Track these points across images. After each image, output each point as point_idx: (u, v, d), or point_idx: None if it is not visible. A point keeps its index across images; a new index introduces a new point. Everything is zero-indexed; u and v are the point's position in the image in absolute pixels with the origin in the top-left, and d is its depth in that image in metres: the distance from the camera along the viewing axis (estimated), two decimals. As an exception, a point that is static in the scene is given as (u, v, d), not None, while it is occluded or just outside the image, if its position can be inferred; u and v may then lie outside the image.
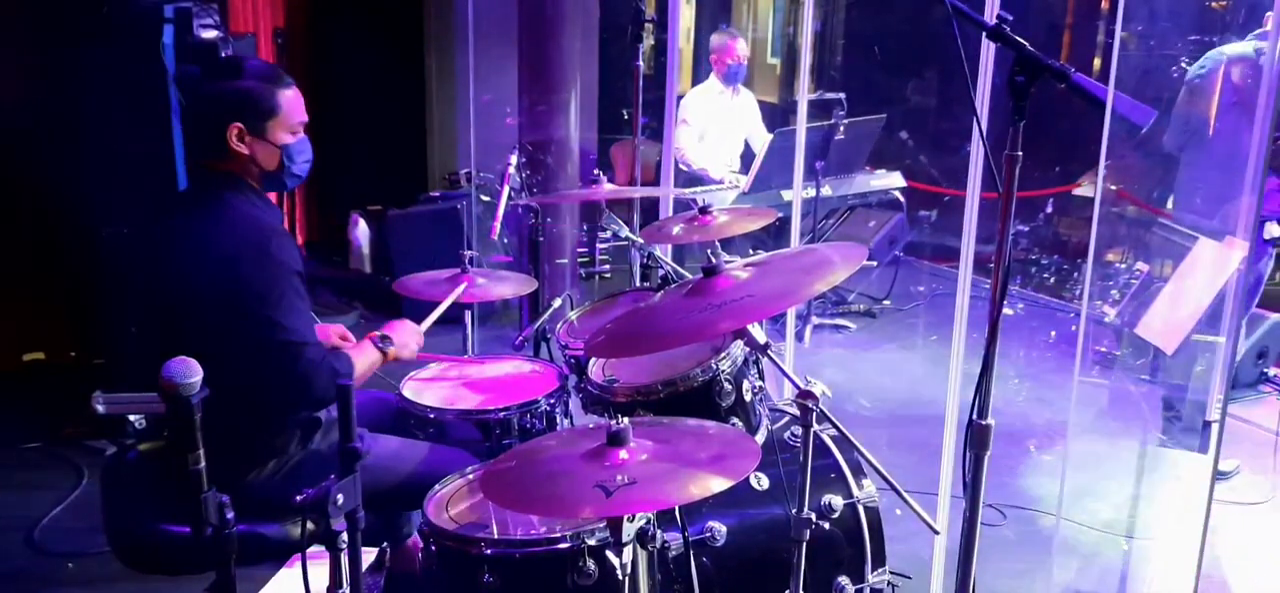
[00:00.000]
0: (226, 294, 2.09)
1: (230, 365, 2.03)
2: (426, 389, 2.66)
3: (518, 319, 5.16)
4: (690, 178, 5.60)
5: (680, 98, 5.57)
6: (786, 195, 4.88)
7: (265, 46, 5.97)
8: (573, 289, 5.22)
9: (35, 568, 3.26)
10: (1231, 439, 4.18)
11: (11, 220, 3.94)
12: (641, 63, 3.44)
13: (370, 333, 2.43)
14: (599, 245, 6.13)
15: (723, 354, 2.23)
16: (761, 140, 5.73)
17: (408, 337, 2.47)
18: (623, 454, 1.69)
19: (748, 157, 5.82)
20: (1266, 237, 3.95)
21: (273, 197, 2.36)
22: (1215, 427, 3.89)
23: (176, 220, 2.24)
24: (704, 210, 2.69)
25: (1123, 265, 5.40)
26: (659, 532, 1.99)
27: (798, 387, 1.88)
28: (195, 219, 2.19)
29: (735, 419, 2.22)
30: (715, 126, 5.72)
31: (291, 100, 2.24)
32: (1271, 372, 4.64)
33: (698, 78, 5.98)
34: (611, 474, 1.64)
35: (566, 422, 2.64)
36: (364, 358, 2.36)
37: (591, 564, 1.86)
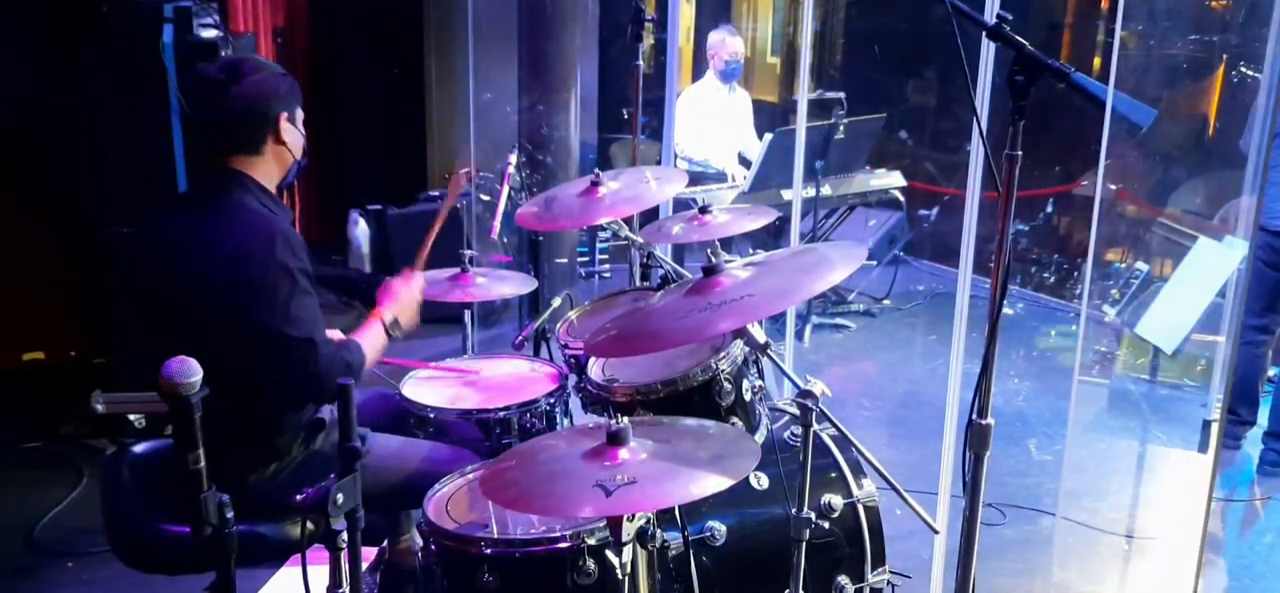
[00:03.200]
0: (236, 293, 2.08)
1: (236, 366, 2.03)
2: (427, 388, 2.66)
3: (518, 319, 5.16)
4: (693, 176, 5.60)
5: (679, 97, 5.58)
6: (786, 195, 4.88)
7: (265, 46, 5.97)
8: (572, 289, 5.21)
9: (35, 567, 3.26)
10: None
11: (11, 220, 3.94)
12: (641, 62, 3.44)
13: (375, 314, 2.40)
14: (599, 245, 6.13)
15: (722, 354, 2.23)
16: (752, 146, 5.73)
17: (410, 310, 2.46)
18: (622, 454, 1.69)
19: (743, 159, 5.82)
20: None
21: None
22: (1215, 427, 3.89)
23: (185, 219, 2.23)
24: (704, 210, 2.69)
25: (1123, 265, 5.41)
26: (659, 531, 1.99)
27: (797, 386, 1.87)
28: (205, 217, 2.17)
29: (735, 419, 2.22)
30: (712, 123, 5.73)
31: None
32: (1271, 371, 4.64)
33: (697, 77, 5.98)
34: (611, 474, 1.64)
35: (566, 421, 2.64)
36: (374, 341, 2.36)
37: (591, 564, 1.86)
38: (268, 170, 2.24)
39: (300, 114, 2.30)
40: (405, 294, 2.46)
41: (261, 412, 2.22)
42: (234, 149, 2.20)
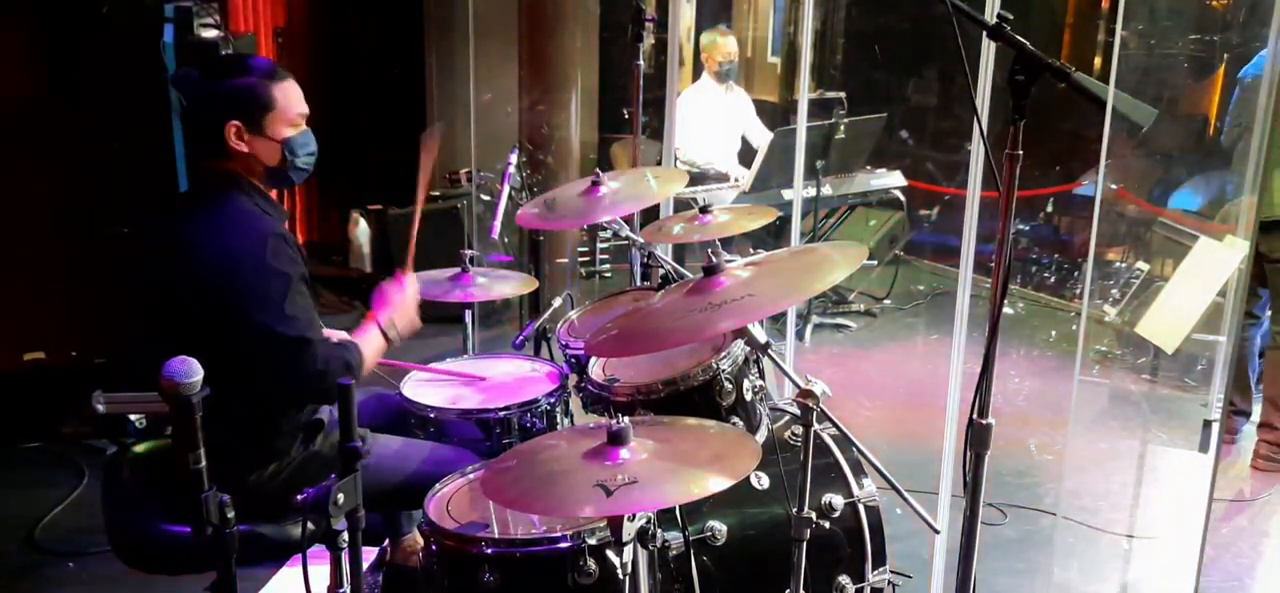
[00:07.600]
0: (229, 296, 2.09)
1: (234, 367, 2.03)
2: (427, 388, 2.66)
3: (518, 318, 5.16)
4: (694, 176, 5.61)
5: (679, 96, 5.58)
6: (787, 194, 4.87)
7: (266, 46, 5.97)
8: (573, 288, 5.22)
9: (36, 567, 3.26)
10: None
11: (12, 220, 3.94)
12: (642, 62, 3.44)
13: (372, 315, 2.38)
14: (599, 245, 6.13)
15: (723, 353, 2.23)
16: (759, 136, 5.74)
17: (408, 314, 2.43)
18: (623, 453, 1.69)
19: (745, 154, 5.82)
20: None
21: (273, 194, 2.35)
22: (1215, 426, 3.90)
23: (179, 222, 2.24)
24: (704, 210, 2.69)
25: (1123, 264, 5.41)
26: (659, 531, 1.99)
27: (798, 386, 1.87)
28: (197, 221, 2.18)
29: (736, 418, 2.22)
30: (713, 124, 5.72)
31: (288, 92, 2.21)
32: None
33: (698, 76, 5.98)
34: (612, 473, 1.64)
35: (567, 421, 2.64)
36: (372, 345, 2.35)
37: (592, 564, 1.86)
38: (249, 173, 2.21)
39: (277, 119, 2.19)
40: (398, 298, 2.43)
41: (261, 412, 2.22)
42: (203, 154, 2.20)
